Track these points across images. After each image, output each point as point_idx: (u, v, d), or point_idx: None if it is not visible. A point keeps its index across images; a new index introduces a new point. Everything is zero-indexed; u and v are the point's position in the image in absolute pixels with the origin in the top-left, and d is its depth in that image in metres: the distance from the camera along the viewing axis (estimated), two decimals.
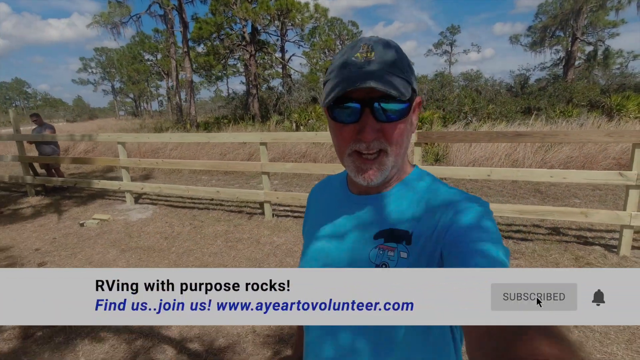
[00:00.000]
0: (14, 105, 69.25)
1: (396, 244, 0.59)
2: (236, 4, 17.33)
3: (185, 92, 19.31)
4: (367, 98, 0.55)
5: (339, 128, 0.59)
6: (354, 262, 0.63)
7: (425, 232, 0.58)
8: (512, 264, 3.23)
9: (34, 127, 6.75)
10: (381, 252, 0.60)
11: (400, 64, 0.57)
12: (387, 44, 0.58)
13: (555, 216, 3.50)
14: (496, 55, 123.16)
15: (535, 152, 6.52)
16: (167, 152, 9.12)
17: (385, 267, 0.59)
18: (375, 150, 0.58)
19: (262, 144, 4.59)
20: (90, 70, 52.64)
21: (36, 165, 6.92)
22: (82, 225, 4.81)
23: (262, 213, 4.89)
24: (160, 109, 51.67)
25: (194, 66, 19.49)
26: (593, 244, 3.52)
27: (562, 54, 26.26)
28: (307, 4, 19.47)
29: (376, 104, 0.55)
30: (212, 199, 5.77)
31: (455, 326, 0.61)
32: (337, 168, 3.72)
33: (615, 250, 3.35)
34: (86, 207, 5.72)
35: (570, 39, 23.63)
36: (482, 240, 0.51)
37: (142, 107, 54.21)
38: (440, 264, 0.55)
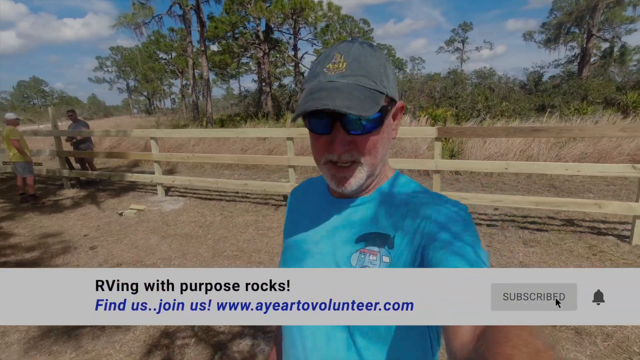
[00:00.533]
0: (31, 103, 71.24)
1: (378, 248, 0.59)
2: (250, 3, 17.66)
3: (201, 90, 19.79)
4: (337, 111, 0.54)
5: (314, 138, 0.60)
6: (333, 266, 0.63)
7: (406, 237, 0.58)
8: (528, 251, 3.45)
9: (69, 122, 7.18)
10: (362, 256, 0.60)
11: (374, 74, 0.56)
12: (363, 52, 0.57)
13: (569, 207, 3.68)
14: (509, 52, 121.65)
15: (550, 149, 6.65)
16: (189, 147, 9.50)
17: None
18: (347, 161, 0.58)
19: (288, 139, 4.87)
20: (106, 69, 53.84)
21: (72, 159, 7.35)
22: (120, 214, 5.17)
23: None
24: (172, 106, 52.54)
25: (209, 64, 19.92)
26: (606, 234, 3.71)
27: (577, 51, 25.95)
28: (320, 3, 19.68)
29: (350, 116, 0.54)
30: (237, 192, 6.09)
31: (431, 326, 0.61)
32: None
33: (628, 240, 3.52)
34: (120, 199, 6.10)
35: (585, 35, 23.36)
36: (462, 244, 0.51)
37: (154, 105, 55.23)
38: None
